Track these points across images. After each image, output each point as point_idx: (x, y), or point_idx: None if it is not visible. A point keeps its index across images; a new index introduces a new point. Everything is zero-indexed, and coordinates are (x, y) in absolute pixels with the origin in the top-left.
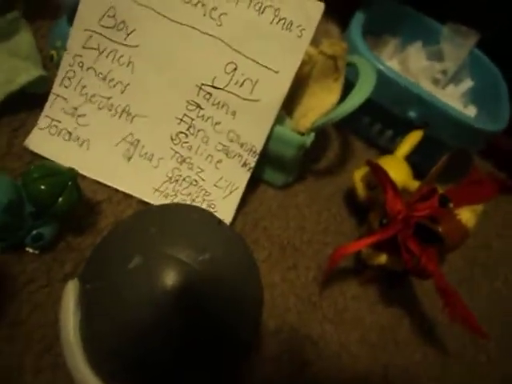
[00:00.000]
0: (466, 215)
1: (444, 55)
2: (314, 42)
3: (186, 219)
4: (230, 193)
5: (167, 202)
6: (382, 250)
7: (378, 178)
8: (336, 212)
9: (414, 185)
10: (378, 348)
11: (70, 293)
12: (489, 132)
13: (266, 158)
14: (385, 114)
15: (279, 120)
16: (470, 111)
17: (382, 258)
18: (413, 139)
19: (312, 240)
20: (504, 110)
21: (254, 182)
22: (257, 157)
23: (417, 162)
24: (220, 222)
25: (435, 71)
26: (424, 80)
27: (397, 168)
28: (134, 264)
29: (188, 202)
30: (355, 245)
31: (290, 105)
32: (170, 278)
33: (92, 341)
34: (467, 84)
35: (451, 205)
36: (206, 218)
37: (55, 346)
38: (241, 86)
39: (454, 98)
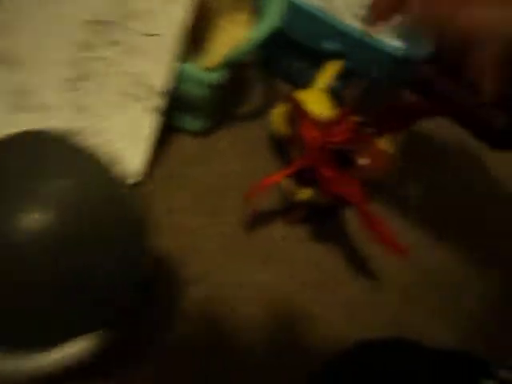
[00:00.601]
0: (386, 144)
1: None
2: None
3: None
4: (140, 140)
5: None
6: (305, 184)
7: (293, 109)
8: (262, 155)
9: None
10: (308, 285)
11: None
12: (410, 59)
13: (179, 102)
14: (305, 51)
15: (188, 59)
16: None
17: (306, 193)
18: (329, 70)
19: (237, 184)
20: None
21: (170, 131)
22: (165, 98)
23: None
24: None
25: (361, 7)
26: (349, 17)
27: (316, 101)
28: None
29: None
30: (273, 177)
31: (199, 43)
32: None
33: None
34: (394, 20)
35: (370, 130)
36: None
37: None
38: (135, 19)
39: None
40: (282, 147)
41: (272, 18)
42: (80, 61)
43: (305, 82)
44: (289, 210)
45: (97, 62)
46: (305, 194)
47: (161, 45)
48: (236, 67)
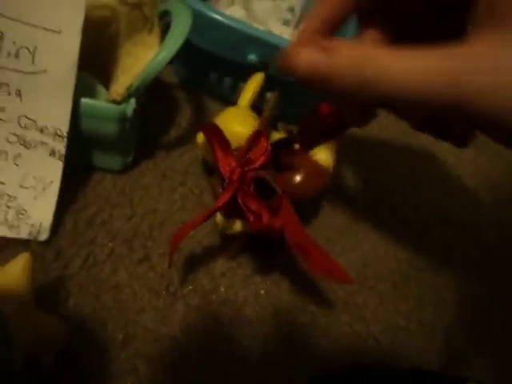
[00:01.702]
0: (323, 155)
1: None
2: None
3: None
4: (43, 190)
5: None
6: (235, 217)
7: (206, 139)
8: (193, 185)
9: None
10: (255, 322)
11: None
12: None
13: (89, 142)
14: (231, 66)
15: (92, 93)
16: None
17: (238, 225)
18: (253, 84)
19: (166, 223)
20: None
21: (84, 174)
22: (65, 140)
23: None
24: None
25: (282, 10)
26: (274, 22)
27: (241, 119)
28: None
29: None
30: (192, 223)
31: (104, 73)
32: None
33: None
34: None
35: (297, 146)
36: None
37: None
38: (16, 56)
39: None
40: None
41: (178, 34)
42: None
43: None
44: (227, 244)
45: None
46: (237, 226)
47: (51, 81)
48: (153, 90)
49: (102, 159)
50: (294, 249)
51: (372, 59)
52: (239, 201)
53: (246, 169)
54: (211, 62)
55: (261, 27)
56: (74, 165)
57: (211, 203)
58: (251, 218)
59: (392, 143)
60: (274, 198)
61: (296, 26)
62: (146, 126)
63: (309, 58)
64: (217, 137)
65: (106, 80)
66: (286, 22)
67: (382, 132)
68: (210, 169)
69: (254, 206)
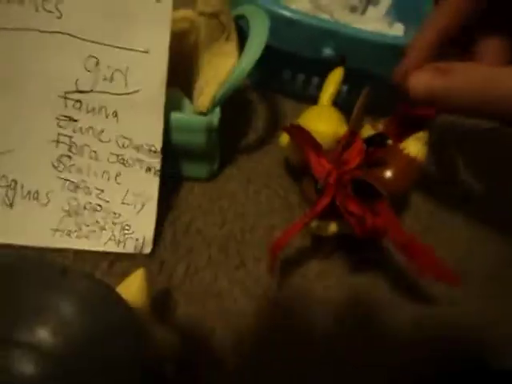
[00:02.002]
0: (414, 147)
1: None
2: (189, 4)
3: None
4: (143, 206)
5: (72, 239)
6: (329, 218)
7: (297, 142)
8: (277, 187)
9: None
10: (353, 326)
11: None
12: None
13: (178, 153)
14: (305, 62)
15: (178, 106)
16: (398, 30)
17: (333, 227)
18: (333, 80)
19: (256, 226)
20: None
21: (175, 184)
22: (160, 156)
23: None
24: (64, 271)
25: None
26: (340, 11)
27: (325, 118)
28: None
29: (97, 232)
30: (290, 231)
31: (188, 86)
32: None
33: None
34: (386, 1)
35: (390, 141)
36: (42, 272)
37: None
38: (111, 80)
39: (377, 21)
40: (299, 174)
41: (258, 40)
42: (64, 137)
43: (311, 95)
44: (320, 245)
45: (82, 134)
46: (332, 227)
47: (143, 100)
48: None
49: (190, 169)
50: (399, 250)
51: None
52: (338, 204)
53: (341, 170)
54: (284, 61)
55: (327, 17)
56: (165, 176)
57: (297, 204)
58: (352, 221)
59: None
60: (375, 198)
61: (363, 11)
62: (225, 132)
63: (425, 82)
64: (307, 139)
65: (188, 91)
66: (352, 9)
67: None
68: (294, 169)
69: (354, 209)
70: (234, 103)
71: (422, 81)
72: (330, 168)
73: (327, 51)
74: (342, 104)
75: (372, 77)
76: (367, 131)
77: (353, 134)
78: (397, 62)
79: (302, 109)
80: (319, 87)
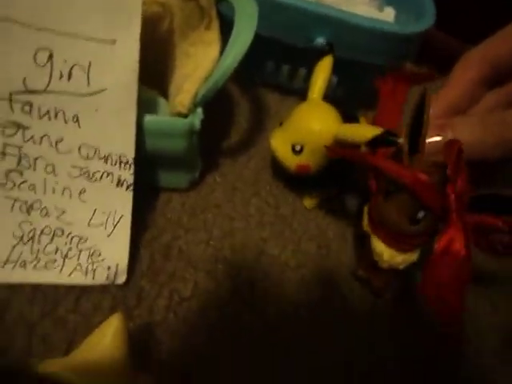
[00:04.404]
0: None
1: None
2: None
3: None
4: (114, 226)
5: (28, 272)
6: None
7: (371, 167)
8: (267, 194)
9: (350, 129)
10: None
11: None
12: (412, 34)
13: (154, 161)
14: (290, 51)
15: (152, 107)
16: (388, 15)
17: (400, 257)
18: (322, 70)
19: (247, 243)
20: (427, 2)
21: (151, 196)
22: (132, 167)
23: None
24: None
25: None
26: None
27: (318, 115)
28: None
29: (59, 261)
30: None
31: (162, 82)
32: None
33: None
34: None
35: (401, 139)
36: None
37: None
38: (69, 78)
39: (366, 4)
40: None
41: (247, 28)
42: (12, 147)
43: (297, 88)
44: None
45: (35, 144)
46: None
47: (111, 101)
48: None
49: (167, 178)
50: None
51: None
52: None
53: (460, 189)
54: (268, 50)
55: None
56: (138, 187)
57: (290, 216)
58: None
59: None
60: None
61: None
62: (203, 132)
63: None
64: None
65: (161, 89)
66: None
67: None
68: (285, 174)
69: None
70: (209, 101)
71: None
72: (449, 194)
73: (319, 40)
74: (332, 98)
75: (364, 66)
76: (363, 126)
77: (454, 143)
78: (393, 51)
79: (287, 103)
80: (306, 79)
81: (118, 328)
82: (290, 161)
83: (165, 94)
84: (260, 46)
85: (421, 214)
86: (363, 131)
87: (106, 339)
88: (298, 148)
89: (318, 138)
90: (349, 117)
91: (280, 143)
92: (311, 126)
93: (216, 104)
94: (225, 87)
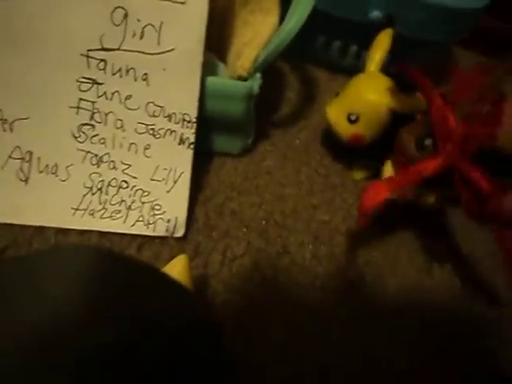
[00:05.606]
0: None
1: None
2: None
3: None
4: (175, 182)
5: (96, 220)
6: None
7: (417, 83)
8: (317, 164)
9: (408, 101)
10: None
11: None
12: (469, 10)
13: (211, 124)
14: (341, 26)
15: (210, 70)
16: None
17: (432, 199)
18: (382, 43)
19: (297, 208)
20: None
21: (205, 159)
22: (195, 126)
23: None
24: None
25: None
26: None
27: (375, 86)
28: None
29: (123, 212)
30: (378, 194)
31: (220, 47)
32: None
33: None
34: None
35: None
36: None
37: None
38: (142, 37)
39: None
40: (342, 148)
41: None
42: (86, 102)
43: (348, 65)
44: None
45: (107, 100)
46: (431, 199)
47: (178, 61)
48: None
49: (222, 143)
50: None
51: None
52: (459, 171)
53: (475, 131)
54: (319, 25)
55: None
56: (195, 150)
57: (339, 185)
58: (467, 198)
59: None
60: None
61: None
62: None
63: None
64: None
65: (220, 54)
66: None
67: None
68: (336, 146)
69: (482, 183)
70: (263, 74)
71: None
72: (457, 124)
73: (375, 14)
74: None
75: (419, 42)
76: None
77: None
78: (451, 27)
79: (337, 81)
80: (356, 56)
81: (183, 267)
82: (345, 130)
83: (222, 60)
84: (311, 20)
85: (428, 142)
86: (418, 102)
87: (174, 275)
88: (353, 118)
89: (375, 109)
90: (404, 89)
91: (335, 112)
92: (369, 96)
93: (267, 79)
94: (275, 63)
